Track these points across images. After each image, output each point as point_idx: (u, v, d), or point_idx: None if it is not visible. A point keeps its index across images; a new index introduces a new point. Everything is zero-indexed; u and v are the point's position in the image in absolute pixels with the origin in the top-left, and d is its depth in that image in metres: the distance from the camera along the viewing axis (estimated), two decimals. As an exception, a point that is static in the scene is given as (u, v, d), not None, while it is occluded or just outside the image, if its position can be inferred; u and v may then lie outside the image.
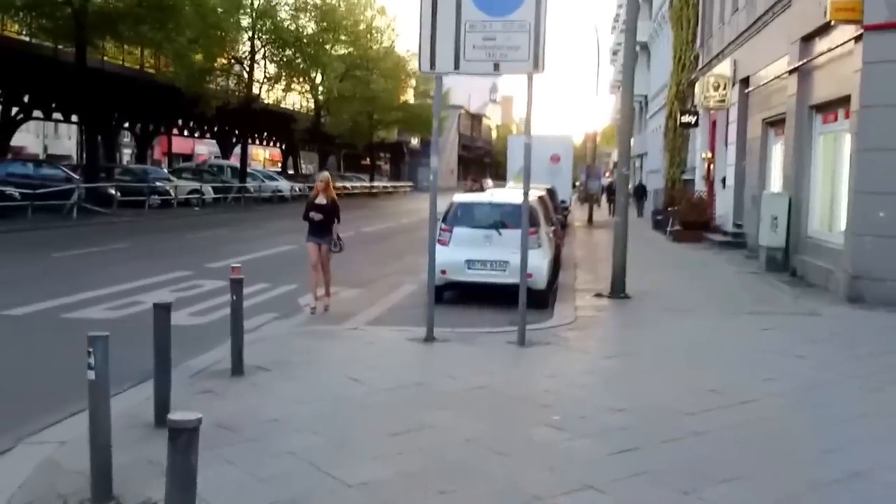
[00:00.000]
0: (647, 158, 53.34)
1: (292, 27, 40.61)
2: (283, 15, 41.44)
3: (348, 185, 58.83)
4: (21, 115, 37.93)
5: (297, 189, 47.34)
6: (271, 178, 46.91)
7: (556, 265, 14.99)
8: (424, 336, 9.56)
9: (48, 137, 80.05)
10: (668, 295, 13.78)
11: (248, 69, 40.14)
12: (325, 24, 43.70)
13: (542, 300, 12.70)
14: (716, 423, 6.47)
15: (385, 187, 68.04)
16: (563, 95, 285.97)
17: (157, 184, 34.09)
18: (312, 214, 11.91)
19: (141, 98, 39.50)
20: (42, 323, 10.48)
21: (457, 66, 8.82)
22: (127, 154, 79.84)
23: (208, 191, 37.31)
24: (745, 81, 22.30)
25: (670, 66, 37.81)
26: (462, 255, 12.72)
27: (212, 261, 17.21)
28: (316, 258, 11.93)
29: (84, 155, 40.04)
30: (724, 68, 24.51)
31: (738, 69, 23.23)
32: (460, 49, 8.70)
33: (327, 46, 46.89)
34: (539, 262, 12.57)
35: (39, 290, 12.66)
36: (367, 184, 60.65)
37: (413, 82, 61.01)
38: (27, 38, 28.81)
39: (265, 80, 42.53)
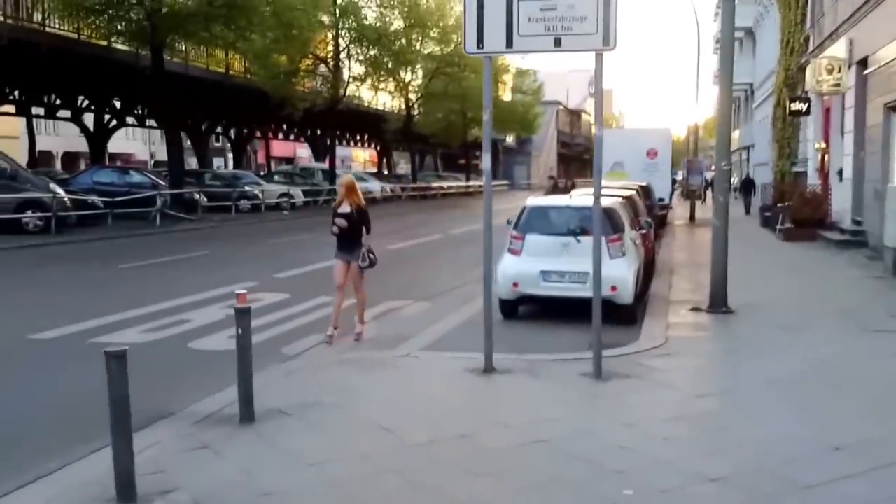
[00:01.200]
0: (754, 150, 50.47)
1: (377, 24, 39.63)
2: (367, 13, 40.60)
3: (444, 184, 57.91)
4: (114, 123, 38.27)
5: (389, 190, 46.58)
6: (362, 180, 46.17)
7: (647, 273, 13.32)
8: (483, 367, 8.16)
9: (154, 144, 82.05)
10: (778, 308, 11.95)
11: (332, 69, 39.42)
12: (411, 20, 42.65)
13: (628, 316, 11.15)
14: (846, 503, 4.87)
15: (481, 186, 66.54)
16: (663, 87, 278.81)
17: (246, 188, 33.64)
18: (337, 223, 10.16)
19: (229, 102, 39.27)
20: (64, 349, 9.51)
21: (509, 45, 7.31)
22: (229, 159, 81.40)
23: (297, 194, 36.74)
24: (863, 63, 20.00)
25: (777, 51, 35.19)
26: (536, 265, 11.25)
27: (282, 269, 16.26)
28: (342, 278, 10.17)
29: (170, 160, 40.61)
30: (838, 49, 22.18)
31: (855, 49, 20.91)
32: (513, 23, 7.18)
33: (415, 44, 45.88)
34: (623, 272, 11.01)
35: (78, 308, 11.78)
36: (462, 183, 59.42)
37: (506, 78, 59.49)
38: (104, 44, 28.61)
39: (350, 81, 41.75)
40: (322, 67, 40.37)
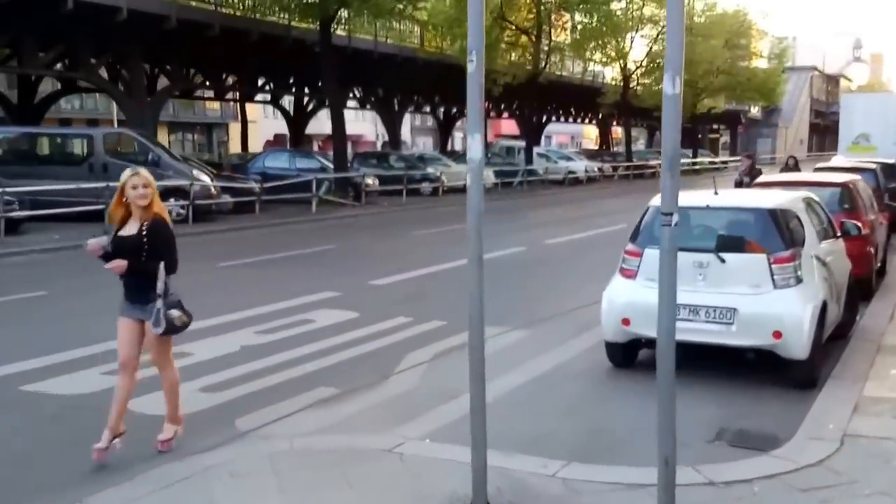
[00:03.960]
0: None
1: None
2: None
3: (654, 162, 52.75)
4: (312, 104, 37.30)
5: (597, 169, 42.63)
6: (567, 159, 42.67)
7: (850, 300, 9.07)
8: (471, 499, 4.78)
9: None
10: None
11: (533, 39, 36.00)
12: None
13: (802, 376, 7.28)
14: None
15: (713, 163, 60.50)
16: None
17: (428, 170, 31.27)
18: (108, 254, 5.60)
19: (421, 79, 37.08)
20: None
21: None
22: (457, 140, 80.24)
23: (488, 176, 33.86)
24: None
25: None
26: (656, 295, 7.53)
27: (392, 272, 13.45)
28: (129, 351, 5.67)
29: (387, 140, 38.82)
30: None
31: None
32: None
33: (631, 7, 41.49)
34: (795, 310, 7.12)
35: (75, 331, 9.47)
36: (687, 160, 53.89)
37: (743, 42, 53.10)
38: (281, 22, 27.16)
39: (552, 51, 38.13)
40: (524, 38, 36.98)
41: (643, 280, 7.68)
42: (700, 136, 70.42)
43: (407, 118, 67.69)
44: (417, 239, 19.08)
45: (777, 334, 7.04)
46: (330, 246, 17.35)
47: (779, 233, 7.40)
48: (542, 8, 35.04)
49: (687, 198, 8.30)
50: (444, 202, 28.98)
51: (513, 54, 37.03)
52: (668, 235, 4.17)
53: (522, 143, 40.08)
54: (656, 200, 8.18)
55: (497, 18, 34.73)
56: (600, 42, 37.77)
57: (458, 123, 78.16)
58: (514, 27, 35.99)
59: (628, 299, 7.69)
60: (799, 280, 7.22)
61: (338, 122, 26.18)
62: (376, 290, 12.21)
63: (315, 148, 61.67)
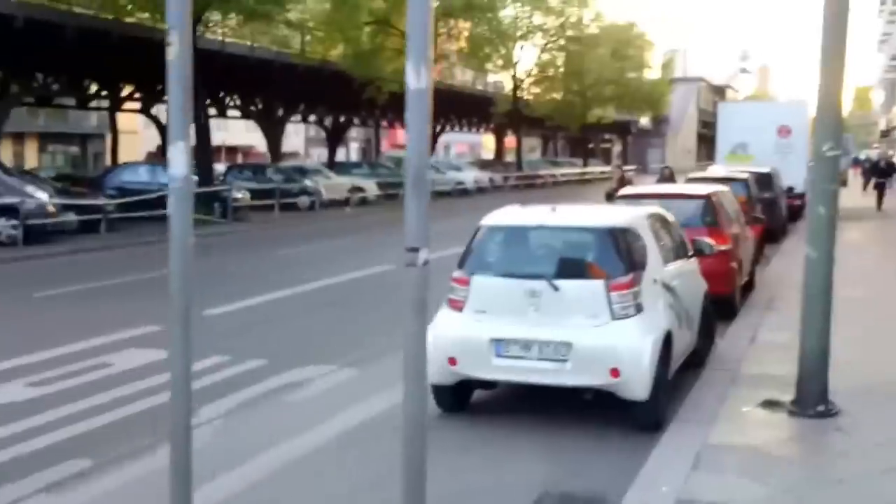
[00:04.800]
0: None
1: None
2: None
3: (556, 171, 52.76)
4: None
5: (487, 180, 42.05)
6: (457, 169, 41.95)
7: (706, 325, 8.29)
8: None
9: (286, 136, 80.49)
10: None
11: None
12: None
13: (644, 419, 6.45)
14: None
15: (603, 172, 60.87)
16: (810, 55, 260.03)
17: (307, 183, 29.92)
18: None
19: (305, 86, 35.76)
20: None
21: None
22: (352, 150, 78.57)
23: (371, 188, 32.80)
24: None
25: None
26: (486, 329, 6.58)
27: (228, 301, 12.12)
28: None
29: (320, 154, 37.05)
30: None
31: None
32: None
33: (520, 15, 41.19)
34: (633, 343, 6.26)
35: None
36: (578, 170, 54.02)
37: (631, 52, 53.58)
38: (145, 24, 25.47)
39: (438, 59, 37.33)
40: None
41: (472, 312, 6.72)
42: (592, 145, 71.06)
43: (301, 128, 66.02)
44: (279, 259, 17.82)
45: (614, 372, 6.17)
46: (150, 274, 15.82)
47: (618, 255, 6.55)
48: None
49: (520, 215, 7.42)
50: (321, 217, 27.71)
51: (398, 62, 35.95)
52: (415, 280, 3.14)
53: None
54: (490, 218, 7.26)
55: (381, 24, 33.79)
56: (487, 50, 37.06)
57: (355, 133, 77.01)
58: (399, 33, 35.00)
59: (455, 335, 6.71)
60: (639, 309, 6.37)
61: (202, 132, 24.60)
62: (207, 322, 10.89)
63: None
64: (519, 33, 44.65)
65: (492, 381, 6.88)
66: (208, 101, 33.32)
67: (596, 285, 6.38)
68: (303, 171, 32.02)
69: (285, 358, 8.89)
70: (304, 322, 11.19)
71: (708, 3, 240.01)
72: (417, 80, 3.04)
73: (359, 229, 23.76)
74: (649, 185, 13.45)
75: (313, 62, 34.30)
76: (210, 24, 26.78)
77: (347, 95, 36.37)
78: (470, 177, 40.62)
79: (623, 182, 15.72)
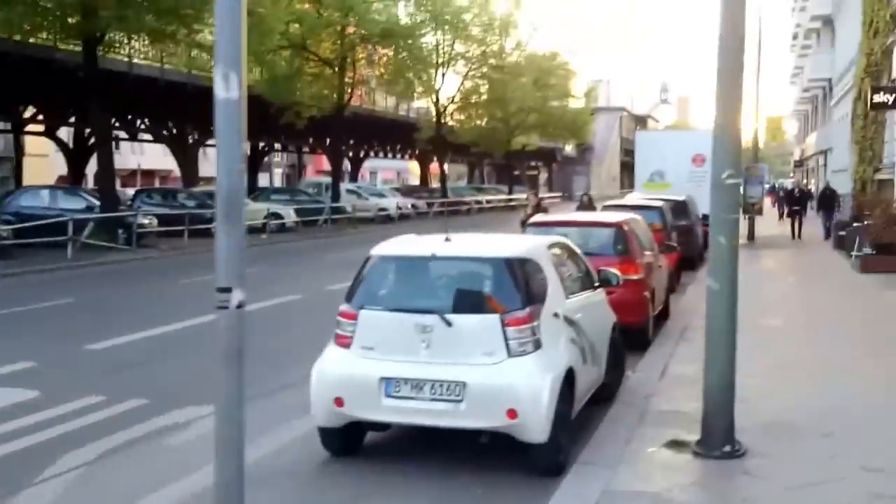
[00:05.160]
0: (831, 155, 44.03)
1: (381, 18, 34.61)
2: (377, 6, 35.80)
3: (481, 198, 52.68)
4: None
5: (410, 206, 41.68)
6: (380, 195, 41.49)
7: (615, 357, 7.93)
8: None
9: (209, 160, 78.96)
10: (839, 438, 6.47)
11: (337, 71, 34.61)
12: (426, 15, 37.73)
13: (545, 463, 5.99)
14: None
15: (526, 200, 61.22)
16: (749, 95, 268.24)
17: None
18: None
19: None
20: None
21: None
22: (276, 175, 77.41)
23: (289, 214, 32.03)
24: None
25: (859, 36, 29.12)
26: (374, 367, 6.07)
27: (117, 334, 11.32)
28: None
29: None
30: (937, 15, 16.42)
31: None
32: None
33: (442, 43, 41.07)
34: (531, 382, 5.83)
35: None
36: (503, 196, 54.04)
37: (553, 80, 54.01)
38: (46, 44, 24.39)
39: (357, 84, 37.00)
40: (328, 70, 35.43)
41: (359, 349, 6.20)
42: (518, 172, 71.43)
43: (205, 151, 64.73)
44: (181, 289, 16.98)
45: (511, 413, 5.72)
46: (68, 299, 14.89)
47: (515, 288, 6.12)
48: (346, 40, 33.71)
49: (412, 245, 6.95)
50: (236, 243, 26.83)
51: (316, 87, 35.46)
52: (227, 326, 2.62)
53: (327, 180, 38.74)
54: (380, 248, 6.77)
55: (297, 48, 33.22)
56: (407, 76, 36.77)
57: (279, 159, 75.83)
58: (317, 58, 34.50)
59: (341, 373, 6.19)
60: (538, 345, 5.94)
61: (105, 156, 23.54)
62: (88, 357, 10.16)
63: (118, 185, 57.76)
64: (440, 60, 44.54)
65: (383, 423, 6.36)
66: (117, 124, 32.27)
67: (491, 320, 5.94)
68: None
69: (169, 397, 8.22)
70: (196, 357, 10.47)
71: (631, 36, 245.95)
72: (227, 90, 2.59)
73: (272, 257, 22.98)
74: (561, 213, 13.08)
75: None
76: (115, 45, 25.83)
77: (265, 120, 35.63)
78: (393, 203, 40.16)
79: (539, 209, 15.42)
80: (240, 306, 2.59)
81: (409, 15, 38.55)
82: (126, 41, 26.07)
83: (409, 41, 35.06)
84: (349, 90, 35.88)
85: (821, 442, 6.29)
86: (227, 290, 2.58)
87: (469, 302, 6.15)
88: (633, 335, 10.03)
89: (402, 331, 6.07)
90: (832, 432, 6.47)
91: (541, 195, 67.12)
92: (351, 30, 33.95)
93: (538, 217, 11.04)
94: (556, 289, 6.50)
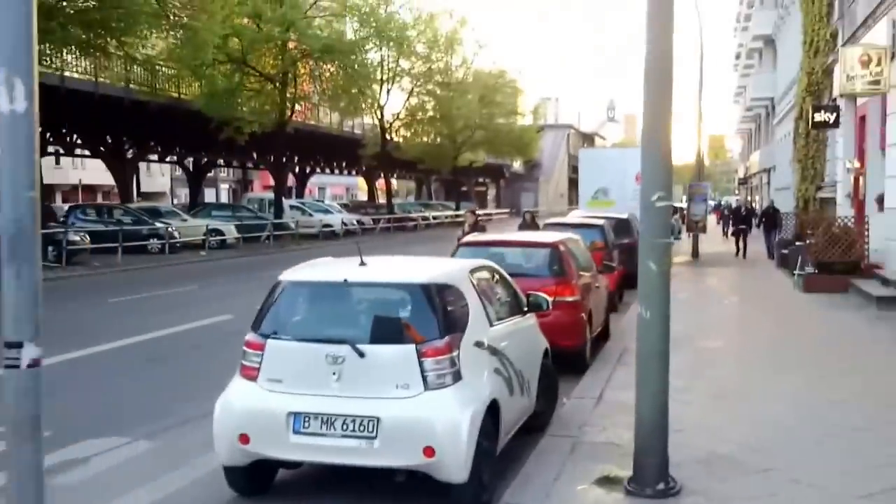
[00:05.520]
0: (774, 173, 44.55)
1: (322, 33, 34.08)
2: (319, 21, 35.30)
3: (428, 214, 52.31)
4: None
5: (355, 222, 41.17)
6: (325, 211, 40.88)
7: (547, 386, 7.53)
8: None
9: (140, 175, 77.30)
10: (779, 476, 6.11)
11: (278, 87, 33.98)
12: (369, 31, 37.28)
13: (465, 502, 5.51)
14: None
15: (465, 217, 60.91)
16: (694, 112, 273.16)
17: (157, 225, 28.19)
18: None
19: (163, 126, 34.13)
20: None
21: None
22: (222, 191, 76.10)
23: (230, 231, 31.28)
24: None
25: (800, 55, 29.43)
26: (281, 401, 5.57)
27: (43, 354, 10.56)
28: None
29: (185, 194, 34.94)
30: (877, 35, 16.48)
31: (901, 30, 15.22)
32: None
33: (385, 59, 40.72)
34: (449, 417, 5.37)
35: None
36: (450, 213, 53.72)
37: (499, 98, 53.96)
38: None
39: (298, 99, 36.41)
40: (269, 85, 34.73)
41: (266, 381, 5.70)
42: (466, 188, 71.27)
43: (167, 168, 63.44)
44: (109, 308, 16.26)
45: (428, 451, 5.26)
46: None
47: (433, 315, 5.66)
48: (287, 55, 33.10)
49: (324, 270, 6.47)
50: (170, 261, 26.03)
51: (257, 102, 34.82)
52: (14, 385, 2.12)
53: (270, 196, 38.08)
54: (290, 273, 6.28)
55: (237, 63, 32.54)
56: (350, 93, 36.20)
57: (225, 174, 74.56)
58: (257, 74, 33.84)
59: (246, 408, 5.68)
60: (458, 377, 5.50)
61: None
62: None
63: (59, 201, 56.15)
64: (385, 77, 44.22)
65: (289, 462, 5.86)
66: (51, 138, 31.31)
67: (406, 351, 5.48)
68: (155, 213, 30.25)
69: (74, 428, 7.60)
70: (112, 383, 9.89)
71: (580, 54, 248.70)
72: (10, 100, 2.08)
73: (208, 275, 22.30)
74: (498, 233, 12.55)
75: (165, 100, 32.81)
76: (44, 58, 24.98)
77: (205, 135, 34.94)
78: (338, 219, 39.58)
79: (476, 228, 15.01)
80: (33, 364, 2.08)
81: (354, 31, 38.09)
82: (57, 54, 25.18)
83: (353, 57, 34.54)
84: (291, 106, 35.28)
85: (761, 478, 5.93)
86: (18, 344, 2.07)
87: (383, 331, 5.67)
88: (570, 359, 9.67)
89: (312, 362, 5.59)
90: (773, 467, 6.12)
91: (490, 211, 67.20)
92: (292, 45, 33.39)
93: (471, 237, 10.61)
94: (478, 316, 6.07)
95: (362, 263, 6.13)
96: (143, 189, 76.04)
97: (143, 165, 68.99)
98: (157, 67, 32.16)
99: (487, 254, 10.25)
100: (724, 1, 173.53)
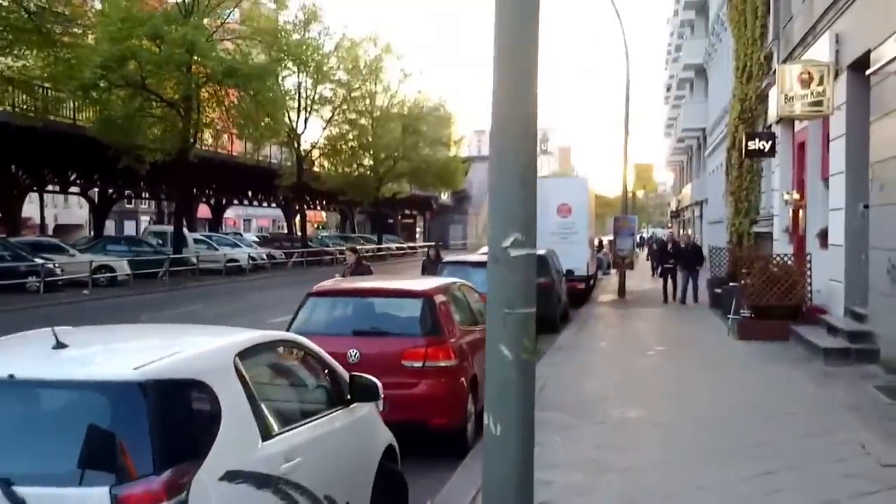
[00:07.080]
0: (707, 206, 43.35)
1: (228, 57, 31.61)
2: (228, 45, 32.97)
3: (333, 248, 49.90)
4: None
5: (265, 256, 38.69)
6: (234, 245, 38.26)
7: (391, 491, 5.26)
8: None
9: (57, 207, 73.24)
10: None
11: (180, 113, 31.39)
12: (280, 53, 35.02)
13: None
14: None
15: (400, 248, 58.66)
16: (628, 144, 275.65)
17: (37, 262, 25.32)
18: None
19: (54, 154, 31.42)
20: None
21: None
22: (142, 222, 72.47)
23: (122, 267, 28.47)
24: (860, 64, 12.56)
25: (731, 82, 28.04)
26: None
27: None
28: None
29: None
30: (818, 51, 14.78)
31: (845, 47, 13.53)
32: None
33: (295, 82, 38.64)
34: None
35: None
36: (371, 246, 51.27)
37: (424, 128, 51.99)
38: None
39: (203, 127, 33.90)
40: (173, 112, 32.06)
41: None
42: (392, 220, 69.02)
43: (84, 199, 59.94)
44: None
45: None
46: None
47: (147, 434, 3.36)
48: (189, 79, 30.53)
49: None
50: (47, 301, 23.17)
51: (159, 129, 32.24)
52: None
53: (170, 228, 35.41)
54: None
55: (137, 87, 29.92)
56: (255, 120, 33.64)
57: (142, 206, 71.07)
58: (159, 98, 31.23)
59: None
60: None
61: None
62: None
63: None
64: (302, 104, 41.95)
65: None
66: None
67: (93, 497, 3.18)
68: (37, 248, 27.34)
69: None
70: None
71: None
72: None
73: (80, 318, 19.51)
74: (361, 279, 10.00)
75: (58, 126, 30.10)
76: None
77: (105, 164, 32.22)
78: (244, 254, 36.91)
79: (359, 268, 12.77)
80: None
81: (268, 55, 35.68)
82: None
83: (263, 82, 32.08)
84: (194, 133, 32.69)
85: None
86: None
87: (56, 462, 3.36)
88: (446, 440, 7.47)
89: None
90: None
91: (414, 244, 64.93)
92: (195, 68, 30.88)
93: (326, 284, 8.26)
94: (241, 427, 3.76)
95: (59, 345, 3.80)
96: (60, 221, 72.12)
97: (60, 198, 65.25)
98: (42, 90, 29.51)
99: (339, 305, 8.08)
100: (655, 35, 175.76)
